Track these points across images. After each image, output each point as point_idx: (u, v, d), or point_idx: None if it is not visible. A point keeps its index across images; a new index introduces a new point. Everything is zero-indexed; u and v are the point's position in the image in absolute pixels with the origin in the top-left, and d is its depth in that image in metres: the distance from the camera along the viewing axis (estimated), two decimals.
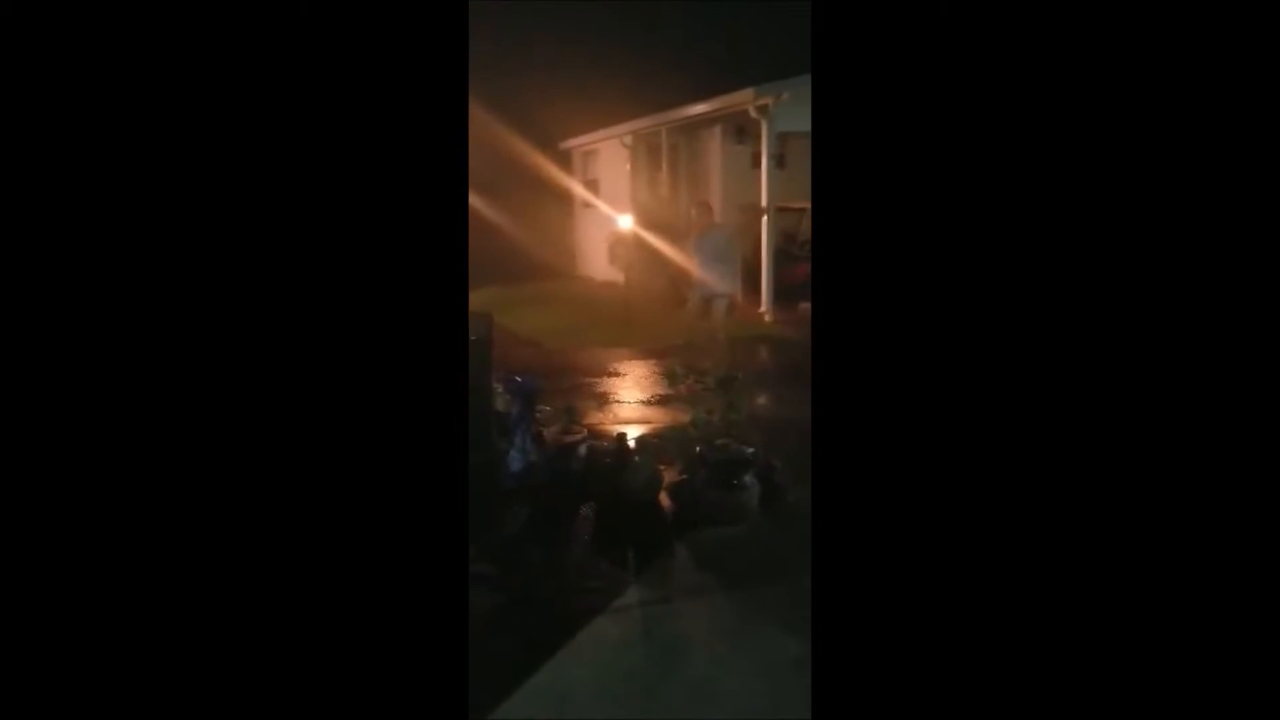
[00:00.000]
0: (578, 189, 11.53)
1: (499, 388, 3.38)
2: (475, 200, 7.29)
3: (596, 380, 5.45)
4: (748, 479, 3.08)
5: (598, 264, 10.20)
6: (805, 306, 7.86)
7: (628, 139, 9.97)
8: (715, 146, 8.83)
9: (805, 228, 8.52)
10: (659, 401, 4.82)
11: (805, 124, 8.34)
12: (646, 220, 8.65)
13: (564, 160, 11.71)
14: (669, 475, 3.28)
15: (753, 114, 7.23)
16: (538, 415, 3.54)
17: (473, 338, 2.98)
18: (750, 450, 3.18)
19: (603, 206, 10.39)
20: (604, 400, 4.95)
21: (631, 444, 3.46)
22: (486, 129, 9.45)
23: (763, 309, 7.37)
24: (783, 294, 7.52)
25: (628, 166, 10.12)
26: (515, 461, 3.29)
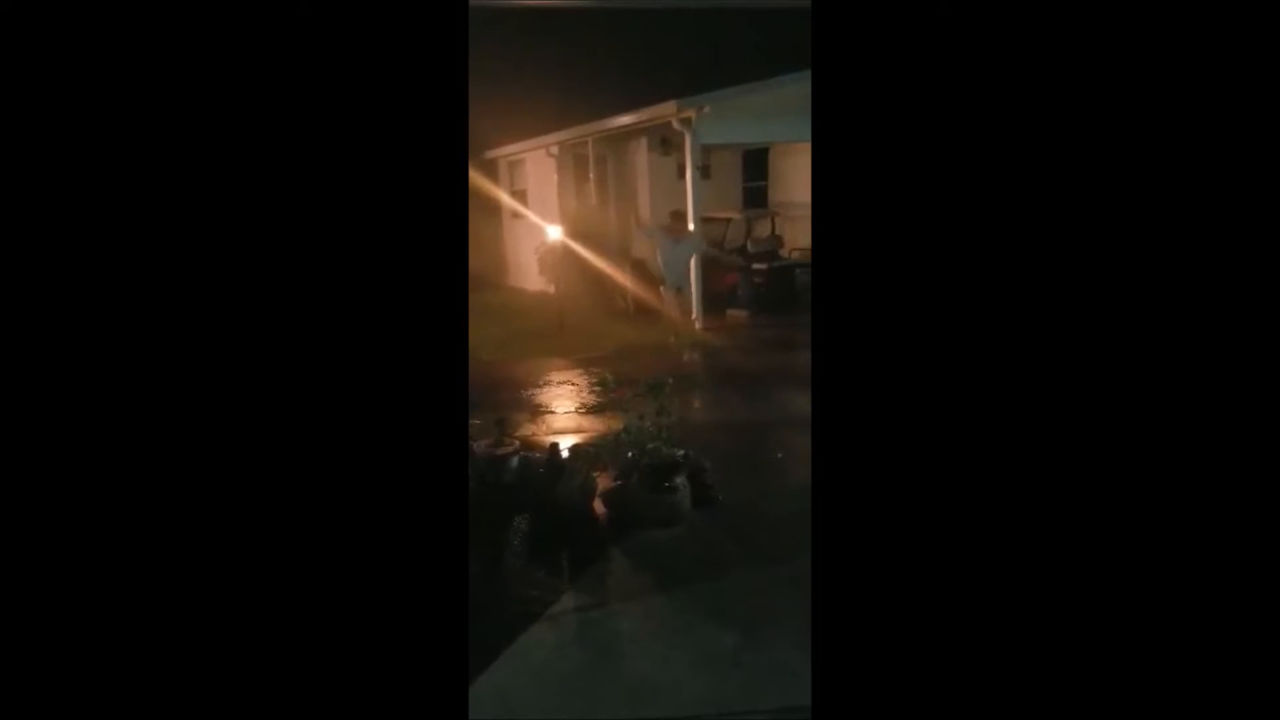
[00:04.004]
0: (506, 199, 11.45)
1: None
2: None
3: (530, 391, 5.44)
4: (679, 481, 3.15)
5: (528, 274, 10.15)
6: (733, 314, 8.06)
7: (554, 149, 9.99)
8: (641, 157, 8.95)
9: (731, 237, 8.74)
10: (592, 410, 4.86)
11: (728, 136, 8.57)
12: (576, 230, 8.68)
13: (490, 170, 11.62)
14: (603, 481, 3.32)
15: (676, 126, 7.38)
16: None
17: None
18: (681, 453, 3.26)
19: (532, 216, 10.36)
20: (537, 411, 4.94)
21: (564, 453, 3.49)
22: None
23: (693, 316, 7.51)
24: (711, 302, 7.69)
25: (555, 177, 10.13)
26: None
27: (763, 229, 9.06)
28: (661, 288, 6.43)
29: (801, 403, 5.27)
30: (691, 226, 7.09)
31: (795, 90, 7.49)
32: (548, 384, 5.65)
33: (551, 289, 8.74)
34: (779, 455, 4.05)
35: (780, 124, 7.80)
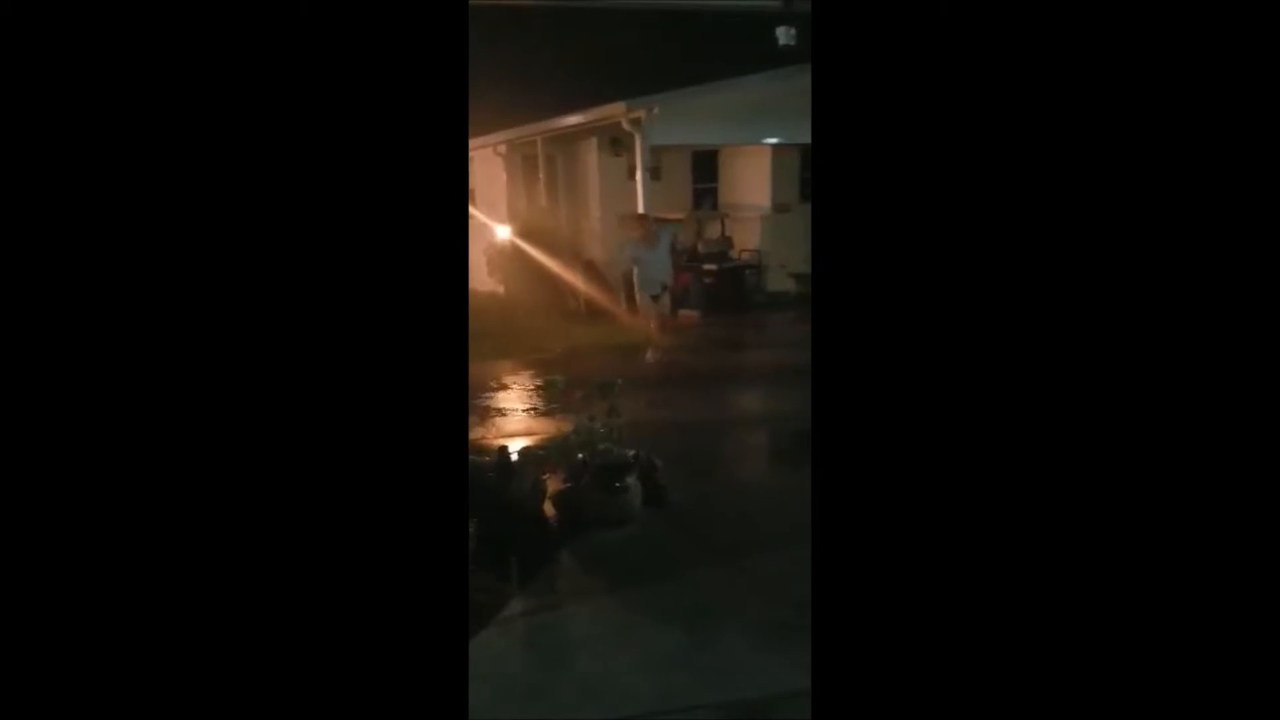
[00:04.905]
0: None
1: None
2: None
3: (479, 394, 5.35)
4: (630, 481, 3.14)
5: (477, 275, 10.00)
6: (684, 314, 8.11)
7: (501, 148, 9.87)
8: (592, 158, 8.92)
9: (681, 238, 8.79)
10: (542, 411, 4.81)
11: (678, 137, 8.59)
12: (525, 230, 8.60)
13: None
14: (553, 483, 3.29)
15: (626, 127, 7.38)
16: None
17: None
18: (631, 453, 3.26)
19: (480, 216, 10.22)
20: (486, 413, 4.87)
21: (514, 456, 3.44)
22: None
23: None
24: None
25: (503, 176, 10.01)
26: None
27: (713, 230, 9.14)
28: (639, 296, 6.15)
29: (752, 402, 5.33)
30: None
31: (744, 93, 7.59)
32: (497, 386, 5.57)
33: (501, 289, 8.64)
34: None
35: (729, 126, 7.88)
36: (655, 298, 6.10)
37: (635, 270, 6.04)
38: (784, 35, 9.67)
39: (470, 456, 3.44)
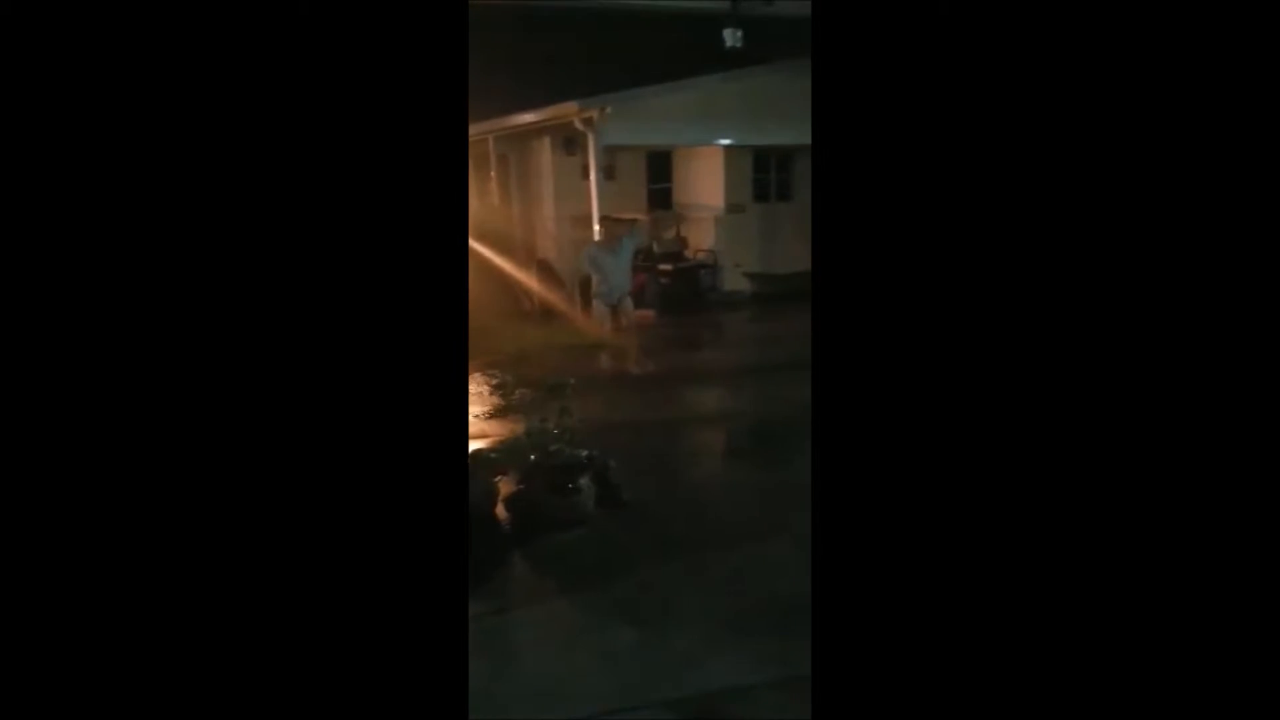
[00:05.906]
0: None
1: None
2: None
3: None
4: (583, 481, 3.12)
5: None
6: (640, 313, 8.09)
7: None
8: (545, 157, 8.85)
9: (639, 238, 8.78)
10: (494, 413, 4.74)
11: (631, 138, 8.52)
12: (477, 230, 8.47)
13: None
14: (505, 486, 3.23)
15: (579, 126, 7.34)
16: None
17: None
18: (584, 453, 3.23)
19: None
20: None
21: None
22: None
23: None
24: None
25: None
26: None
27: (668, 230, 9.17)
28: (595, 304, 5.77)
29: (708, 400, 5.36)
30: (598, 224, 6.79)
31: (696, 94, 7.62)
32: None
33: None
34: None
35: (683, 127, 7.91)
36: (614, 306, 5.77)
37: (594, 276, 5.69)
38: (730, 37, 9.74)
39: None
